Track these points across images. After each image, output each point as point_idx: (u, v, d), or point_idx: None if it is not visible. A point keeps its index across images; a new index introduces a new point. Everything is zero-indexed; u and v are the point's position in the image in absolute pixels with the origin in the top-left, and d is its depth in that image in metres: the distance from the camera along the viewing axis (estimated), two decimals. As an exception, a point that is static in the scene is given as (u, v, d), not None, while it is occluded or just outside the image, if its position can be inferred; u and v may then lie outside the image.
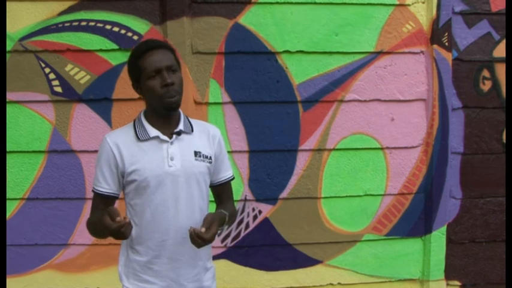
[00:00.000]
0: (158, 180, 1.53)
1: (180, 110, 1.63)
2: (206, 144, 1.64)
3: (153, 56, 1.51)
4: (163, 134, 1.57)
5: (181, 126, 1.59)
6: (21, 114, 2.49)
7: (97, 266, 2.62)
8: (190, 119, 1.68)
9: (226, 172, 1.74)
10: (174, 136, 1.57)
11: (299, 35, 2.55)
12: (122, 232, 1.35)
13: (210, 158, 1.63)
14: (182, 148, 1.57)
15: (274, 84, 2.58)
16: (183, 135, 1.59)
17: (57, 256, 2.60)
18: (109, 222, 1.34)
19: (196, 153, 1.59)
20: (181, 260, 1.58)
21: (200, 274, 1.63)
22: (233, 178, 1.79)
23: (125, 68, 2.44)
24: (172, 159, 1.54)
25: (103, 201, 1.59)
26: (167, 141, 1.56)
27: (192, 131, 1.62)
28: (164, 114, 1.57)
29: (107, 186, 1.58)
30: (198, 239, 1.42)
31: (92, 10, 2.46)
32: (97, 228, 1.51)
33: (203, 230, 1.43)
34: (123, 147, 1.55)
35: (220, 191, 1.75)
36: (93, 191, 1.61)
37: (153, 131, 1.56)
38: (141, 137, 1.56)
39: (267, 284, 2.72)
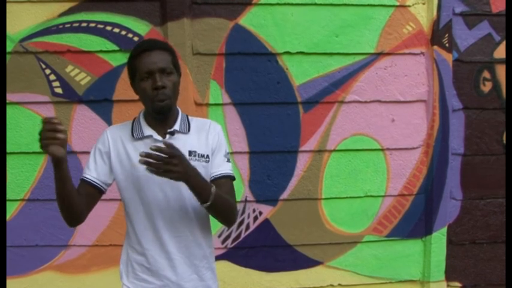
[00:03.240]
0: (149, 179, 1.52)
1: (178, 109, 1.62)
2: (203, 143, 1.60)
3: (147, 58, 1.49)
4: (159, 133, 1.56)
5: (176, 126, 1.58)
6: (22, 115, 2.49)
7: (97, 267, 2.62)
8: (191, 117, 1.66)
9: (217, 168, 1.60)
10: (168, 136, 1.56)
11: (299, 36, 2.55)
12: (51, 137, 1.30)
13: (207, 156, 1.59)
14: None
15: (275, 85, 2.58)
16: (178, 135, 1.57)
17: (58, 257, 2.60)
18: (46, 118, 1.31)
19: (190, 153, 1.56)
20: (177, 260, 1.57)
21: (199, 272, 1.62)
22: (230, 176, 1.62)
23: (126, 68, 2.46)
24: None
25: (87, 190, 1.55)
26: (160, 141, 1.54)
27: (189, 130, 1.60)
28: (155, 116, 1.56)
29: (95, 175, 1.57)
30: (155, 151, 1.32)
31: (92, 11, 2.46)
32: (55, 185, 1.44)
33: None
34: (120, 143, 1.57)
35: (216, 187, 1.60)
36: (80, 178, 1.58)
37: (147, 130, 1.56)
38: (135, 135, 1.57)
39: (267, 285, 2.72)
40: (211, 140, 1.61)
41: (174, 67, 1.55)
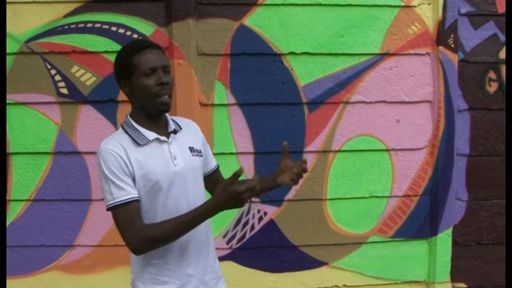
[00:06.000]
0: (169, 181, 1.51)
1: None
2: (194, 139, 1.67)
3: (150, 54, 1.49)
4: (160, 135, 1.55)
5: (172, 126, 1.59)
6: (27, 115, 2.50)
7: (103, 267, 2.62)
8: (173, 118, 1.67)
9: (212, 161, 1.80)
10: (172, 135, 1.57)
11: (304, 36, 2.55)
12: (254, 190, 1.36)
13: (200, 151, 1.66)
14: (180, 146, 1.58)
15: (280, 85, 2.57)
16: (177, 134, 1.60)
17: (63, 257, 2.61)
18: (237, 184, 1.34)
19: (191, 149, 1.61)
20: (195, 255, 1.58)
21: (214, 265, 1.67)
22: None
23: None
24: (175, 158, 1.54)
25: (136, 209, 1.47)
26: (166, 142, 1.55)
27: (181, 128, 1.64)
28: (154, 115, 1.53)
29: (134, 191, 1.48)
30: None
31: (98, 12, 2.46)
32: (181, 226, 1.43)
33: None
34: (129, 152, 1.48)
35: (217, 177, 1.80)
36: (112, 206, 1.45)
37: (150, 134, 1.53)
38: (140, 141, 1.50)
39: (272, 285, 2.72)
40: (199, 139, 1.71)
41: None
